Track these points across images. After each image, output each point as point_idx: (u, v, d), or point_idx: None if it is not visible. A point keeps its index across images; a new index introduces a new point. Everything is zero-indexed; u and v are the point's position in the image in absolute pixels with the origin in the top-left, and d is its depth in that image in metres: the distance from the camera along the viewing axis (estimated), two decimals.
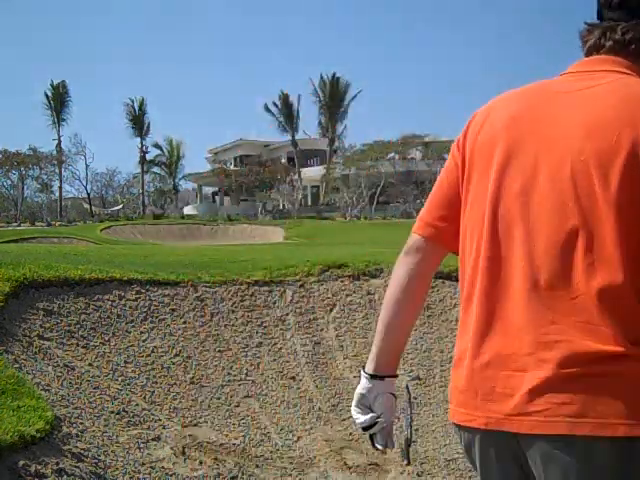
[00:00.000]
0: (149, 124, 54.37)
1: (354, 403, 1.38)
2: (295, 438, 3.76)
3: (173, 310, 4.60)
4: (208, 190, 63.12)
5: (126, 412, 3.52)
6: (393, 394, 1.38)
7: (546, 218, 1.11)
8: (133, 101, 54.16)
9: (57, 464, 2.57)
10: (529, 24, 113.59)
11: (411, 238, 1.36)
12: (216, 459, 3.32)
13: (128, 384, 3.82)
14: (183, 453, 3.29)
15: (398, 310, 1.35)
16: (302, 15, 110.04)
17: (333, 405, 4.15)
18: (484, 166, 1.20)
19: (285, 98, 54.40)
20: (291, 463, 3.49)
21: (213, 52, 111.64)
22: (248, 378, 4.21)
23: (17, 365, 3.38)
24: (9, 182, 47.50)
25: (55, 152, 49.60)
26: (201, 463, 3.25)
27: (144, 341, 4.24)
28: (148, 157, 55.63)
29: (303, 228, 31.83)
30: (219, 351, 4.37)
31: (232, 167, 53.30)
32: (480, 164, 1.22)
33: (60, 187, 50.96)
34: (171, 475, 3.07)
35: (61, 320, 4.10)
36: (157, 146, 57.06)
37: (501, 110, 1.23)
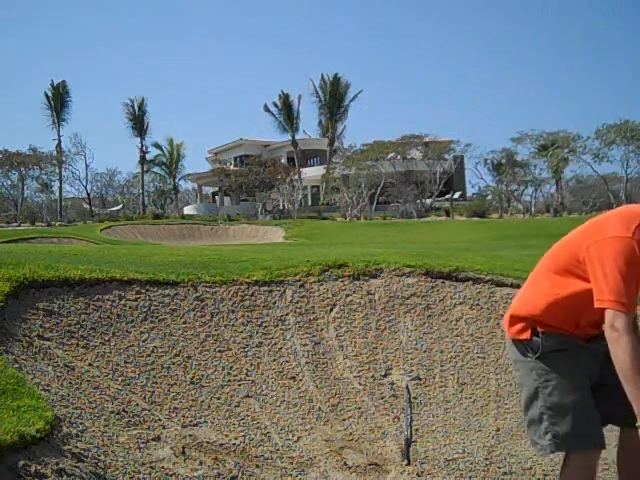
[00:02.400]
0: (149, 124, 54.48)
1: None
2: (295, 438, 3.76)
3: (173, 310, 4.60)
4: (208, 190, 63.11)
5: (126, 412, 3.51)
6: None
7: None
8: (133, 101, 54.25)
9: (57, 464, 2.57)
10: (529, 23, 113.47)
11: None
12: (216, 459, 3.31)
13: (128, 384, 3.81)
14: (183, 453, 3.29)
15: None
16: (302, 15, 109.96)
17: (333, 405, 4.15)
18: None
19: (285, 98, 54.42)
20: (291, 463, 3.49)
21: (213, 52, 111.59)
22: (248, 378, 4.21)
23: (17, 365, 3.38)
24: (9, 182, 47.48)
25: (55, 152, 49.58)
26: (201, 463, 3.24)
27: (144, 341, 4.23)
28: (148, 157, 55.66)
29: (303, 228, 31.83)
30: (219, 351, 4.37)
31: (232, 167, 53.22)
32: None
33: (60, 187, 50.99)
34: (171, 475, 3.07)
35: (61, 320, 4.10)
36: (157, 146, 57.08)
37: None
